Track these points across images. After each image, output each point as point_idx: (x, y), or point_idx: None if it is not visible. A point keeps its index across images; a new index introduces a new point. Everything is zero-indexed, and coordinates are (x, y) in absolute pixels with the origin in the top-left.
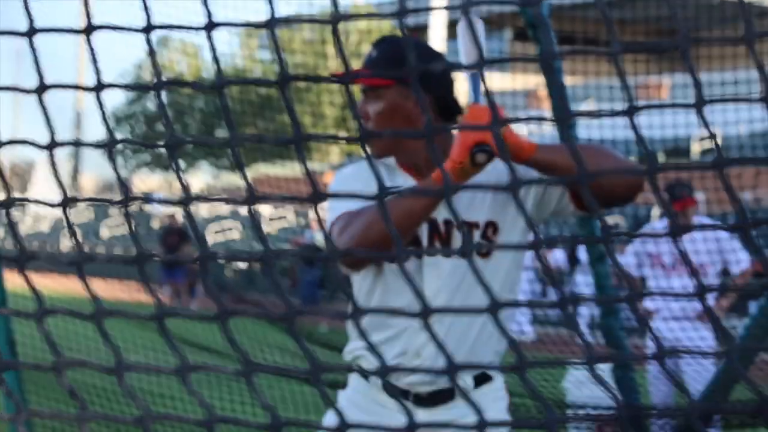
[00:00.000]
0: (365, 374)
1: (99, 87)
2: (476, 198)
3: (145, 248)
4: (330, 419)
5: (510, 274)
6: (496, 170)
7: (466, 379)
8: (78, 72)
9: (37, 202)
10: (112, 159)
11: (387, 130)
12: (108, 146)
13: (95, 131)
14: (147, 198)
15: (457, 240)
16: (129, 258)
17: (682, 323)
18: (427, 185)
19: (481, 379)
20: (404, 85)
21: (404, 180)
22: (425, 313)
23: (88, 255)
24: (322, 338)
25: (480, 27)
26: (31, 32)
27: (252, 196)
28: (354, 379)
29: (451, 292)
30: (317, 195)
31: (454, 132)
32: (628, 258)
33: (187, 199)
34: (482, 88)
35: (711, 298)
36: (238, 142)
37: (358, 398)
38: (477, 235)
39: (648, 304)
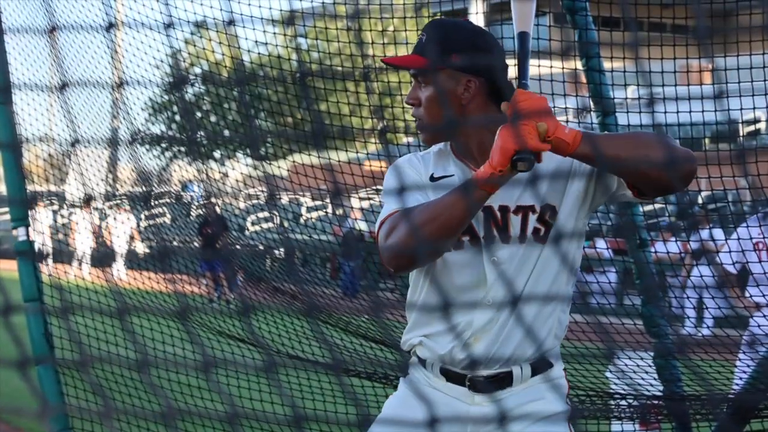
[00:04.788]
0: (423, 361)
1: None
2: (533, 182)
3: (184, 238)
4: (390, 407)
5: (568, 256)
6: (549, 154)
7: (523, 366)
8: (114, 59)
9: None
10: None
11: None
12: (135, 142)
13: (133, 120)
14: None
15: (514, 226)
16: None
17: None
18: (467, 189)
19: (540, 366)
20: (453, 68)
21: (457, 168)
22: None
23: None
24: (362, 327)
25: (533, 3)
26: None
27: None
28: (413, 366)
29: (509, 279)
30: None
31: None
32: (724, 257)
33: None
34: (528, 62)
35: None
36: (253, 140)
37: (419, 386)
38: (533, 219)
39: (758, 298)
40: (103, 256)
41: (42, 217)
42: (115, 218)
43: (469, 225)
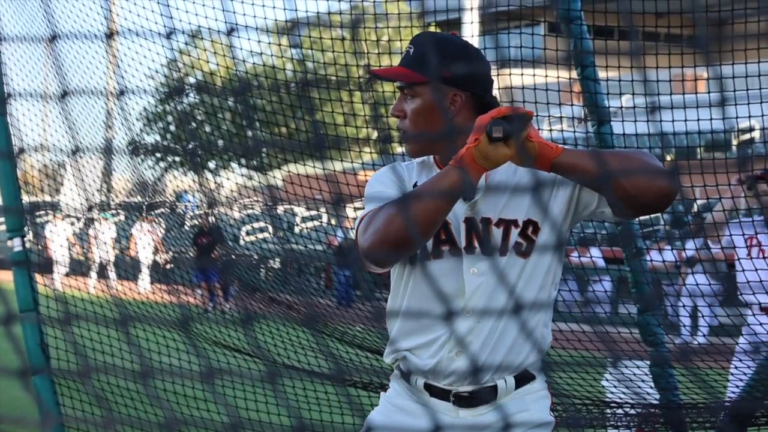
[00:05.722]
0: (407, 375)
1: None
2: (515, 196)
3: (179, 249)
4: (373, 419)
5: (550, 272)
6: (528, 171)
7: (507, 379)
8: (109, 69)
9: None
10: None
11: (419, 133)
12: (133, 152)
13: (128, 131)
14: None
15: (495, 238)
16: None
17: None
18: (446, 171)
19: (523, 379)
20: (440, 82)
21: None
22: (449, 314)
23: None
24: (357, 337)
25: None
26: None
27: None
28: (395, 380)
29: (489, 291)
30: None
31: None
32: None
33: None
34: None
35: None
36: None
37: (401, 400)
38: (516, 234)
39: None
40: (128, 268)
41: (59, 230)
42: (140, 228)
43: (449, 235)
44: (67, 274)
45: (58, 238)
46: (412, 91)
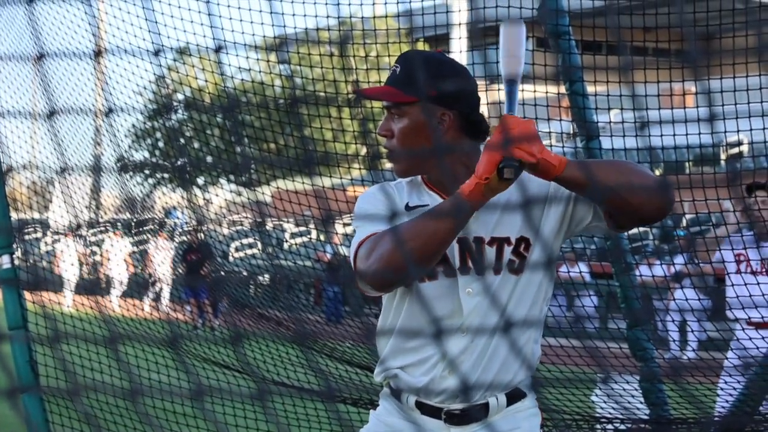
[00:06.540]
0: (397, 393)
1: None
2: (506, 213)
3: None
4: None
5: (541, 288)
6: (518, 188)
7: (498, 397)
8: (97, 86)
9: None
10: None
11: (406, 150)
12: (121, 169)
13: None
14: (168, 214)
15: (489, 257)
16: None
17: None
18: (453, 203)
19: (514, 396)
20: (427, 101)
21: (431, 198)
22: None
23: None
24: (346, 353)
25: (522, 32)
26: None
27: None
28: (385, 398)
29: (484, 310)
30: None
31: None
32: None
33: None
34: (516, 99)
35: None
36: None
37: (392, 418)
38: (509, 251)
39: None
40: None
41: (67, 248)
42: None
43: (443, 255)
44: (123, 295)
45: (116, 257)
46: (399, 110)
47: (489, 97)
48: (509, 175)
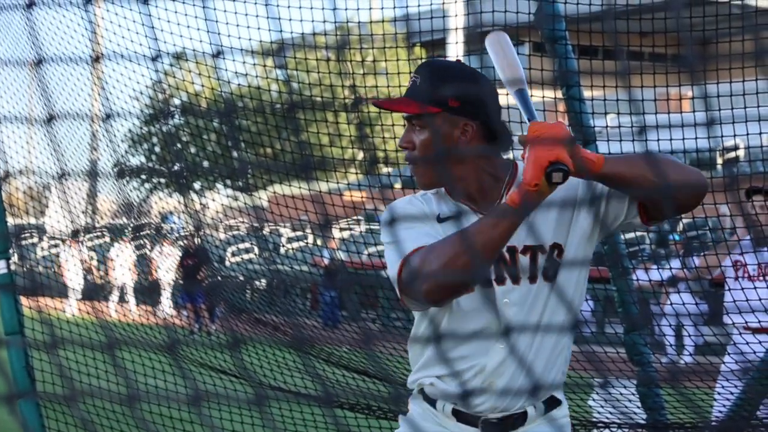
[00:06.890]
0: (431, 400)
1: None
2: (538, 221)
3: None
4: None
5: (577, 293)
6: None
7: (536, 405)
8: (94, 91)
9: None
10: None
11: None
12: (119, 174)
13: (112, 152)
14: (164, 219)
15: (523, 266)
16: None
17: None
18: (505, 210)
19: (551, 404)
20: (450, 112)
21: (460, 209)
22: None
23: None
24: (343, 358)
25: (507, 39)
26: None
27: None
28: (418, 404)
29: (523, 318)
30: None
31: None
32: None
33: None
34: (531, 102)
35: None
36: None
37: (425, 424)
38: (543, 259)
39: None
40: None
41: (72, 257)
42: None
43: None
44: (137, 303)
45: (125, 262)
46: (420, 122)
47: None
48: (558, 180)
